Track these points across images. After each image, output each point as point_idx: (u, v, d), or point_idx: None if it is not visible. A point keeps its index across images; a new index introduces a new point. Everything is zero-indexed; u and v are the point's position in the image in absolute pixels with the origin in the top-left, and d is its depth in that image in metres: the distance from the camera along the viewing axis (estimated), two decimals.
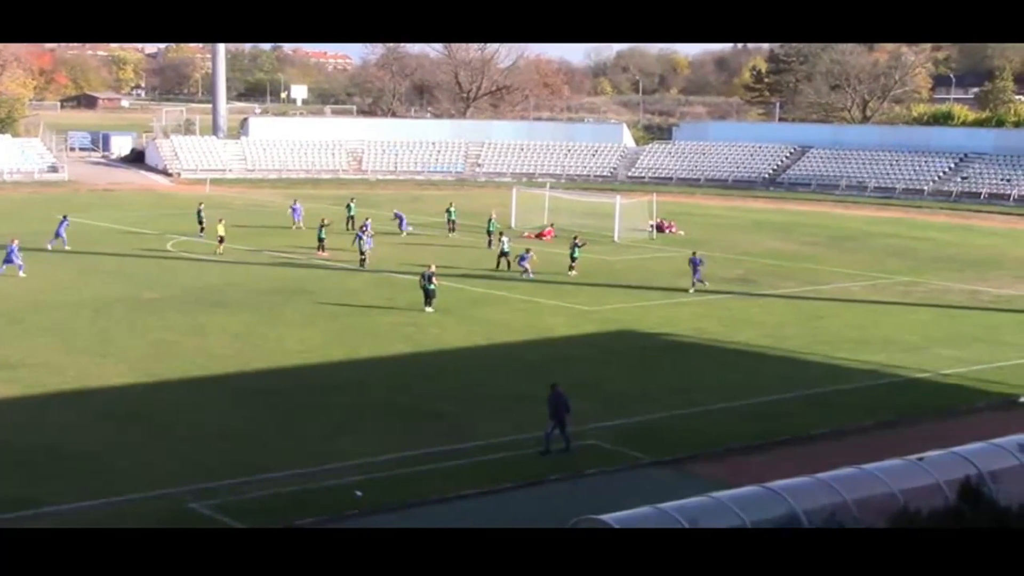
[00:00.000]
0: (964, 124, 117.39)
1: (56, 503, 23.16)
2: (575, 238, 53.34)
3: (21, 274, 48.32)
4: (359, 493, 24.06)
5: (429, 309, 42.64)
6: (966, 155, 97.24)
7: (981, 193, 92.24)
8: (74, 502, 23.27)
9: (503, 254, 52.91)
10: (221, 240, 56.13)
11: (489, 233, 60.37)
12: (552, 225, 66.15)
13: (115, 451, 26.78)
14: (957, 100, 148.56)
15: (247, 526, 22.14)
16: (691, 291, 47.72)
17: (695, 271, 48.23)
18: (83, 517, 22.43)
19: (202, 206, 63.41)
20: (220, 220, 57.29)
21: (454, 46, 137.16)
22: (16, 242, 49.37)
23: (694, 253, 49.75)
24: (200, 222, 61.75)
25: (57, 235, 56.48)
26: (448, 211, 66.26)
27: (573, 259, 51.92)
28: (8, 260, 48.57)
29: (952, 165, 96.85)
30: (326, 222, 57.98)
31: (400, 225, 64.92)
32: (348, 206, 67.40)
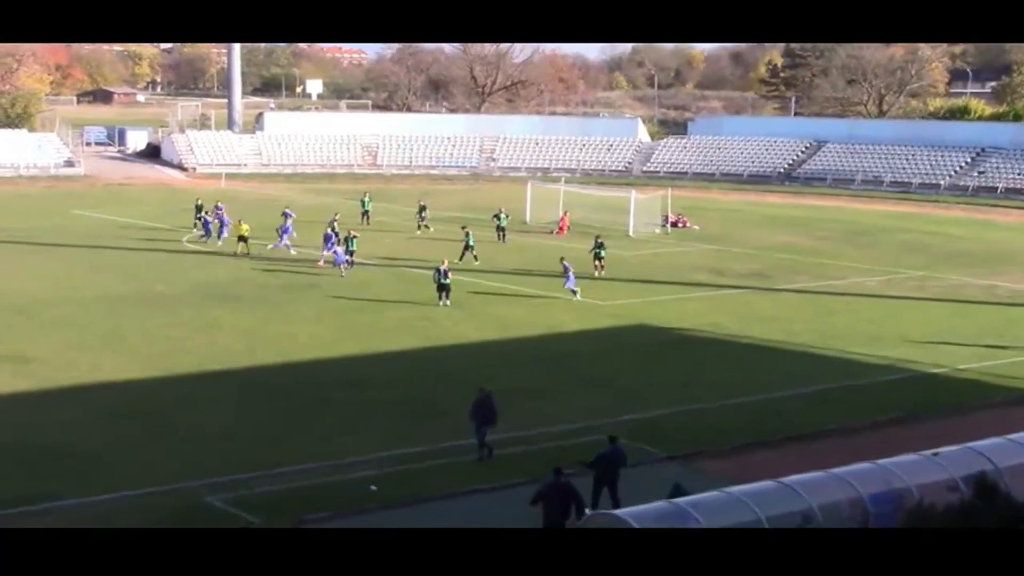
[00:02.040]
0: (981, 118, 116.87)
1: (67, 498, 23.19)
2: (597, 238, 51.63)
3: (293, 252, 53.44)
4: (374, 487, 24.03)
5: (447, 303, 42.53)
6: (983, 149, 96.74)
7: (998, 188, 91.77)
8: (85, 497, 23.28)
9: (467, 247, 52.46)
10: (242, 239, 54.33)
11: (500, 228, 60.14)
12: (566, 213, 65.98)
13: (126, 446, 26.81)
14: (974, 94, 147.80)
15: (260, 520, 22.15)
16: (576, 297, 44.55)
17: (568, 278, 44.95)
18: (94, 512, 22.45)
19: (200, 201, 62.64)
20: (239, 220, 56.39)
21: None
22: (292, 218, 56.87)
23: (562, 259, 46.52)
24: (197, 218, 60.80)
25: (283, 237, 55.18)
26: (420, 208, 64.93)
27: (600, 258, 50.17)
28: (282, 236, 53.90)
29: (969, 160, 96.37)
30: (337, 217, 57.84)
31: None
32: (362, 201, 67.42)
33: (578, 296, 44.44)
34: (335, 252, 50.10)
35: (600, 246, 50.70)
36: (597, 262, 50.37)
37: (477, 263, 51.77)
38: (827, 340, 38.89)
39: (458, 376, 33.52)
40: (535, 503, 21.40)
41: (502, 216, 60.87)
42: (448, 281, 42.92)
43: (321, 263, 50.60)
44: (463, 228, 55.20)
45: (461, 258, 51.44)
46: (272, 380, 32.75)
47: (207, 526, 21.16)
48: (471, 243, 52.94)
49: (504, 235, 60.11)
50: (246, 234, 54.57)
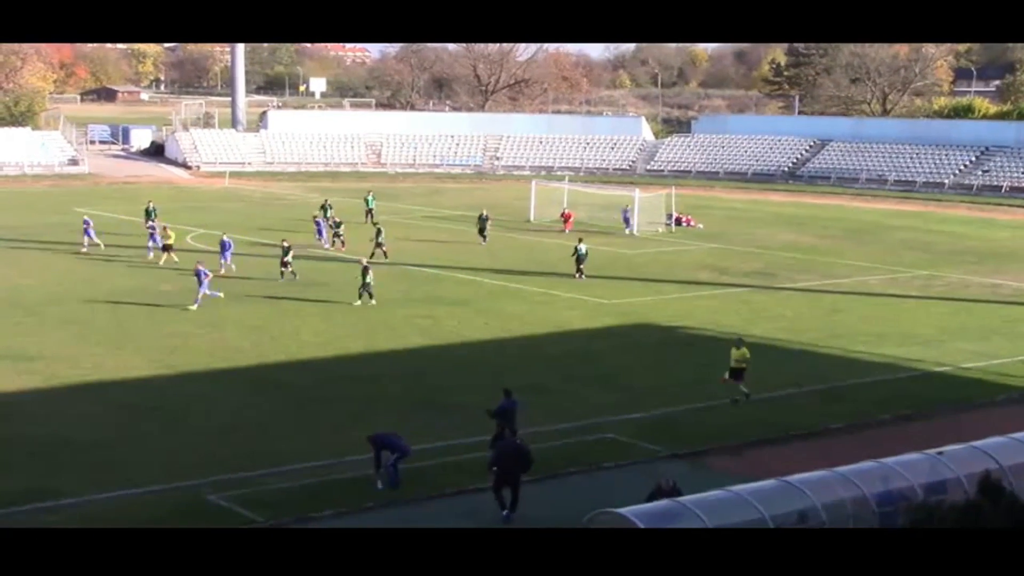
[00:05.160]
0: (985, 117, 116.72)
1: (73, 495, 23.22)
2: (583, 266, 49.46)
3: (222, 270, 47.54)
4: (380, 485, 24.05)
5: (360, 303, 42.14)
6: (987, 148, 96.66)
7: (1002, 186, 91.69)
8: (91, 494, 23.32)
9: (379, 245, 52.04)
10: (166, 249, 50.45)
11: (482, 230, 59.52)
12: (566, 210, 66.01)
13: (131, 443, 26.87)
14: (978, 93, 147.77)
15: (265, 518, 22.20)
16: (194, 305, 41.32)
17: (212, 274, 43.08)
18: (100, 509, 22.50)
19: (151, 204, 59.75)
20: (164, 226, 52.48)
21: None
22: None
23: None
24: (149, 226, 55.55)
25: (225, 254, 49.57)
26: (366, 199, 64.96)
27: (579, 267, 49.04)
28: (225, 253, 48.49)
29: (973, 158, 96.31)
30: (337, 219, 57.79)
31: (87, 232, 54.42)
32: (366, 199, 67.43)
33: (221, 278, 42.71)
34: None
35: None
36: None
37: (386, 259, 51.03)
38: (831, 338, 38.89)
39: (463, 374, 33.57)
40: (495, 465, 22.53)
41: (484, 216, 60.22)
42: (369, 280, 42.31)
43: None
44: (375, 224, 54.60)
45: (372, 255, 49.84)
46: (277, 377, 32.78)
47: (210, 523, 21.24)
48: (381, 240, 52.42)
49: (484, 235, 59.45)
50: (171, 243, 50.85)
